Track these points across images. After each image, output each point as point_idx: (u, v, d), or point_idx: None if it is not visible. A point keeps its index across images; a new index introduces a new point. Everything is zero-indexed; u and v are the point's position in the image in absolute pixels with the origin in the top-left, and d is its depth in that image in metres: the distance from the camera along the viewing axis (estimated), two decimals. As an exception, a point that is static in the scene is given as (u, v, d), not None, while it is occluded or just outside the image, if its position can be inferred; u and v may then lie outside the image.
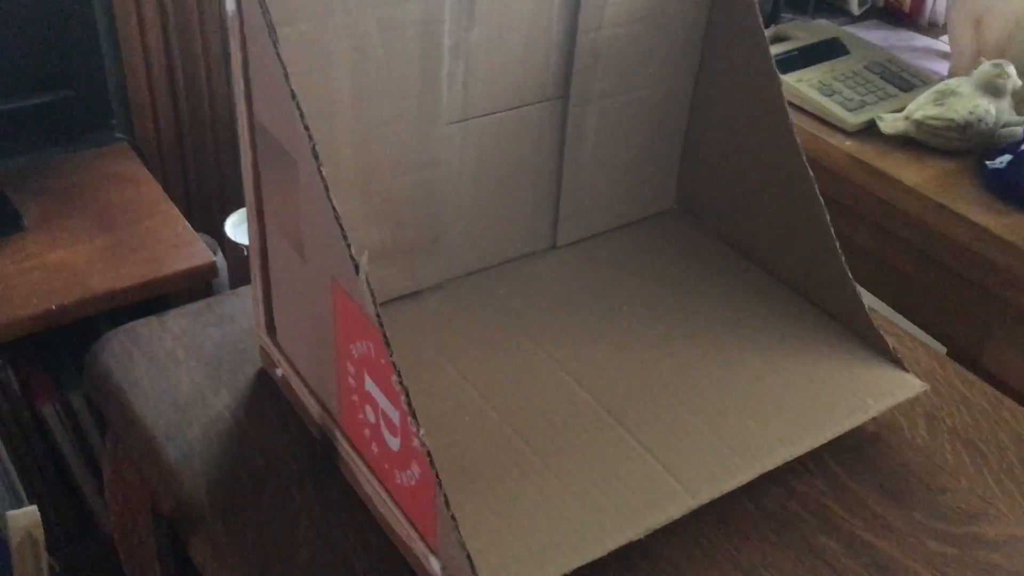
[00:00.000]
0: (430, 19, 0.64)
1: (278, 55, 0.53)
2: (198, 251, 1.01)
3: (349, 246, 0.52)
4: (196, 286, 1.00)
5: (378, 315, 0.51)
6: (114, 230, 1.03)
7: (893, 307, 1.17)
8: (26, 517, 0.73)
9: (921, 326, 1.15)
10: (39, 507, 0.79)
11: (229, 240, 1.24)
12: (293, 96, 0.52)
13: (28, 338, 0.96)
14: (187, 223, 1.06)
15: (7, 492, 0.97)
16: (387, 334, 0.51)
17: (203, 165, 1.31)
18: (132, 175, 1.12)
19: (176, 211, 1.08)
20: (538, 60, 0.72)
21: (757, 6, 0.73)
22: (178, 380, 0.73)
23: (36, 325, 0.94)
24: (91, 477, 1.14)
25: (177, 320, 0.79)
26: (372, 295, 0.51)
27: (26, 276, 0.97)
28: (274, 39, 0.53)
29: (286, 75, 0.53)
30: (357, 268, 0.52)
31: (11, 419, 1.06)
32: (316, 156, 0.52)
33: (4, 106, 1.00)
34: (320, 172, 0.52)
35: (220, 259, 1.23)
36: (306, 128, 0.52)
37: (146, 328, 0.78)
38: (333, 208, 0.52)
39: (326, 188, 0.52)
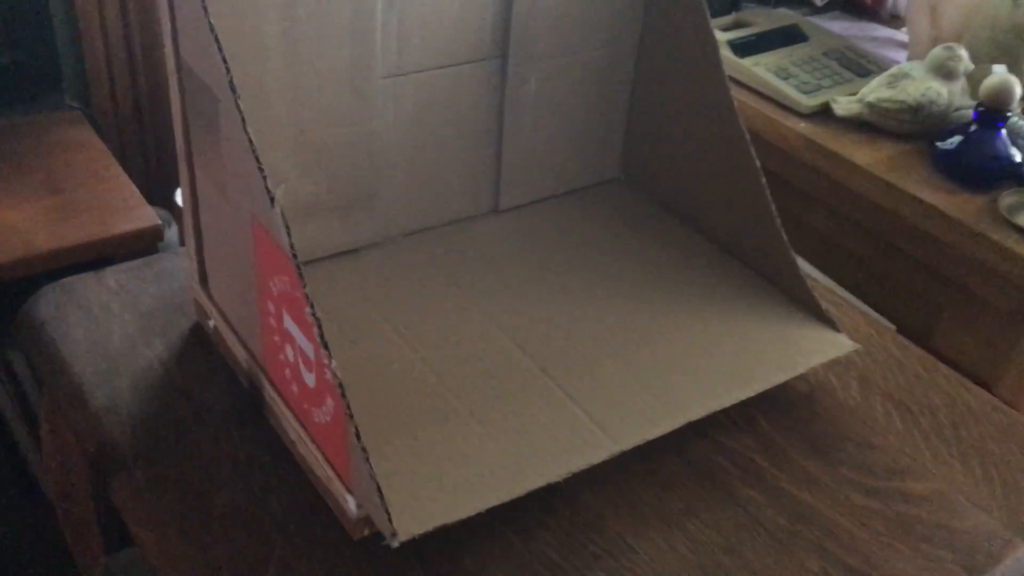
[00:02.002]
0: (361, -34, 0.64)
1: (197, -12, 0.53)
2: (144, 214, 1.01)
3: (265, 178, 0.52)
4: (142, 250, 0.99)
5: (291, 246, 0.51)
6: (61, 193, 1.03)
7: (846, 287, 1.18)
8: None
9: (874, 307, 1.16)
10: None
11: (180, 208, 1.23)
12: (211, 28, 0.52)
13: (-30, 297, 0.96)
14: (135, 188, 1.06)
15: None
16: (301, 267, 0.51)
17: (161, 139, 1.30)
18: (83, 141, 1.11)
19: (126, 177, 1.07)
20: (475, 17, 0.72)
21: (693, -34, 0.74)
22: (110, 332, 0.72)
23: (-24, 283, 0.93)
24: (31, 438, 1.13)
25: (115, 275, 0.78)
26: (286, 225, 0.51)
27: (-32, 235, 0.97)
28: (193, -29, 0.52)
29: (205, 7, 0.53)
30: (272, 200, 0.52)
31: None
32: (234, 89, 0.52)
33: (-50, 67, 0.99)
34: (237, 104, 0.52)
35: (174, 231, 1.23)
36: (224, 61, 0.52)
37: (82, 283, 0.77)
38: (249, 138, 0.52)
39: (243, 119, 0.52)
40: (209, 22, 0.52)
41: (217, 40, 0.52)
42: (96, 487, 0.78)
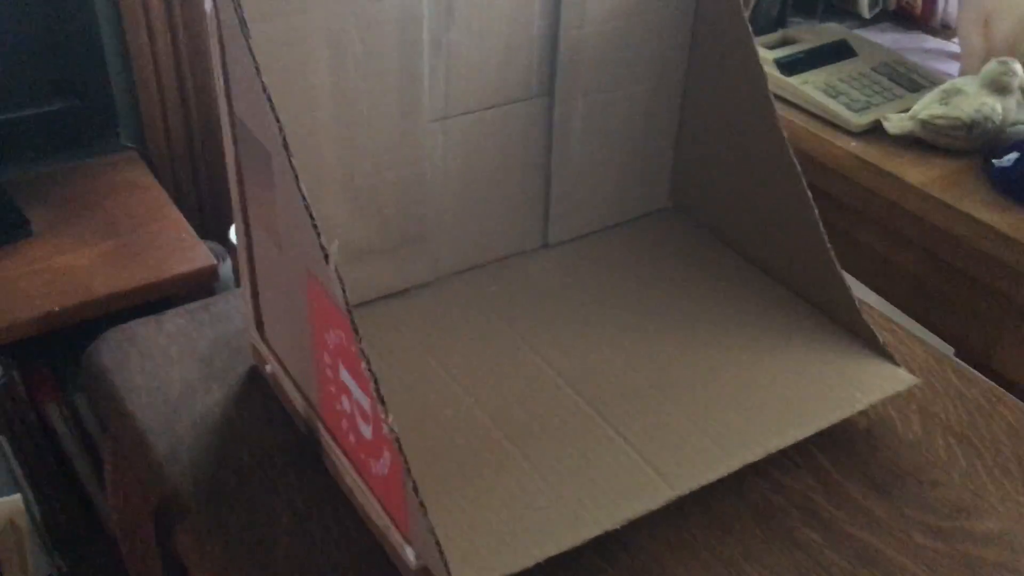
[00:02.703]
0: (408, 16, 0.65)
1: (250, 49, 0.53)
2: (200, 254, 1.03)
3: (319, 235, 0.53)
4: (198, 290, 1.01)
5: (347, 302, 0.52)
6: (118, 235, 1.05)
7: (901, 308, 1.16)
8: (10, 504, 0.74)
9: (930, 327, 1.14)
10: (47, 508, 0.80)
11: (234, 245, 1.26)
12: (264, 88, 0.53)
13: (33, 340, 0.98)
14: (190, 228, 1.08)
15: (12, 490, 0.98)
16: (356, 322, 0.52)
17: (215, 174, 1.32)
18: (138, 182, 1.14)
19: (180, 216, 1.09)
20: (520, 58, 0.73)
21: (740, 0, 0.73)
22: (170, 377, 0.74)
23: (39, 327, 0.96)
24: (96, 478, 1.15)
25: (173, 320, 0.80)
26: (341, 282, 0.52)
27: (31, 279, 0.99)
28: (246, 34, 0.53)
29: (257, 68, 0.53)
30: (327, 257, 0.52)
31: (17, 419, 1.08)
32: (287, 146, 0.53)
33: (11, 115, 1.02)
34: (291, 161, 0.53)
35: (227, 266, 1.24)
36: (276, 119, 0.53)
37: (143, 327, 0.79)
38: (303, 197, 0.53)
39: (296, 177, 0.53)
40: (261, 81, 0.53)
41: (270, 99, 0.53)
42: (159, 530, 0.79)
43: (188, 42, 1.23)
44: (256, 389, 0.73)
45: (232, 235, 1.27)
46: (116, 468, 0.80)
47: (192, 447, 0.68)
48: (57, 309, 0.95)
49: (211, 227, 1.34)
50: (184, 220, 1.10)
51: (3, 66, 1.01)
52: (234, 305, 0.81)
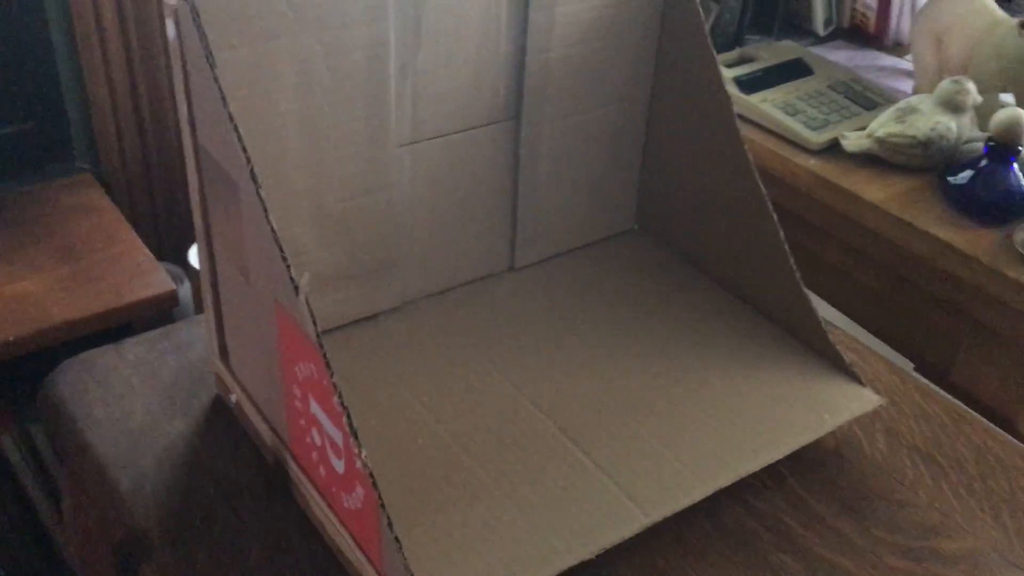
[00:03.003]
0: (375, 42, 0.64)
1: (216, 79, 0.53)
2: (159, 280, 1.01)
3: (289, 267, 0.52)
4: (157, 315, 0.99)
5: (318, 335, 0.51)
6: (74, 261, 1.03)
7: (862, 324, 1.17)
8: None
9: (890, 343, 1.15)
10: (1, 541, 0.78)
11: (194, 268, 1.24)
12: (231, 118, 0.52)
13: (-13, 370, 0.96)
14: (148, 252, 1.06)
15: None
16: (328, 355, 0.51)
17: (171, 194, 1.30)
18: (94, 205, 1.12)
19: (138, 240, 1.07)
20: (487, 82, 0.72)
21: (704, 22, 0.74)
22: (132, 408, 0.72)
23: (-7, 357, 0.93)
24: (52, 509, 1.12)
25: (133, 348, 0.78)
26: (312, 316, 0.51)
27: (-16, 308, 0.97)
28: (211, 63, 0.53)
29: (223, 98, 0.53)
30: (297, 289, 0.52)
31: (-29, 451, 1.05)
32: (255, 178, 0.52)
33: (-37, 138, 1.00)
34: (259, 194, 0.52)
35: (186, 288, 1.22)
36: (244, 150, 0.52)
37: (102, 357, 0.77)
38: (272, 230, 0.52)
39: (265, 210, 0.52)
40: (228, 113, 0.52)
41: (237, 130, 0.52)
42: (121, 567, 0.77)
43: (143, 62, 1.21)
44: (221, 419, 0.71)
45: (192, 258, 1.25)
46: (75, 503, 0.78)
47: (156, 481, 0.66)
48: (11, 338, 0.93)
49: (167, 248, 1.32)
50: (141, 243, 1.08)
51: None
52: (195, 333, 0.80)
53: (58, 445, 0.76)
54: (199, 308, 1.25)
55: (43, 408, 0.75)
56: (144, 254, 1.05)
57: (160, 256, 1.11)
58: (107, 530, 0.73)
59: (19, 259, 1.03)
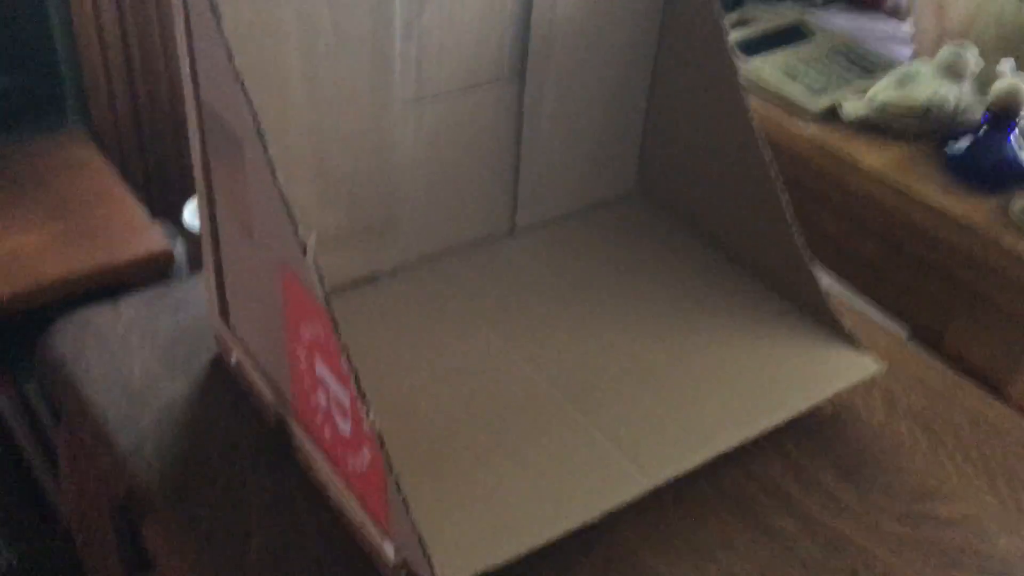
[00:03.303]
0: (380, 0, 0.63)
1: (222, 34, 0.52)
2: (154, 238, 1.00)
3: (297, 229, 0.51)
4: (153, 274, 0.98)
5: (326, 297, 0.50)
6: (68, 218, 1.02)
7: (858, 290, 1.18)
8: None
9: (886, 311, 1.16)
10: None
11: (188, 227, 1.23)
12: (238, 76, 0.52)
13: (-20, 327, 0.95)
14: (143, 210, 1.05)
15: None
16: (336, 316, 0.51)
17: (163, 151, 1.29)
18: (87, 162, 1.10)
19: (132, 198, 1.06)
20: (492, 40, 0.71)
21: (713, -13, 0.73)
22: (131, 367, 0.72)
23: (-13, 313, 0.92)
24: (49, 469, 1.12)
25: (131, 306, 0.77)
26: (320, 277, 0.50)
27: (-23, 263, 0.95)
28: (217, 18, 0.52)
29: (230, 55, 0.52)
30: (305, 250, 0.51)
31: (-36, 410, 1.04)
32: (262, 136, 0.52)
33: (-46, 91, 0.98)
34: (267, 155, 0.51)
35: (180, 246, 1.21)
36: (251, 108, 0.51)
37: (99, 315, 0.76)
38: (280, 192, 0.51)
39: (272, 170, 0.51)
40: (235, 68, 0.52)
41: (244, 87, 0.51)
42: (118, 522, 0.77)
43: (135, 17, 1.19)
44: (220, 379, 0.71)
45: (186, 217, 1.24)
46: (72, 460, 0.78)
47: (156, 440, 0.66)
48: (6, 296, 0.92)
49: (159, 206, 1.31)
50: (135, 200, 1.06)
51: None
52: (193, 292, 0.79)
53: (55, 404, 0.76)
54: (193, 267, 1.24)
55: (40, 367, 0.75)
56: (138, 211, 1.04)
57: (151, 214, 1.09)
58: (106, 489, 0.73)
59: (11, 215, 1.01)
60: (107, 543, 0.79)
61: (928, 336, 1.13)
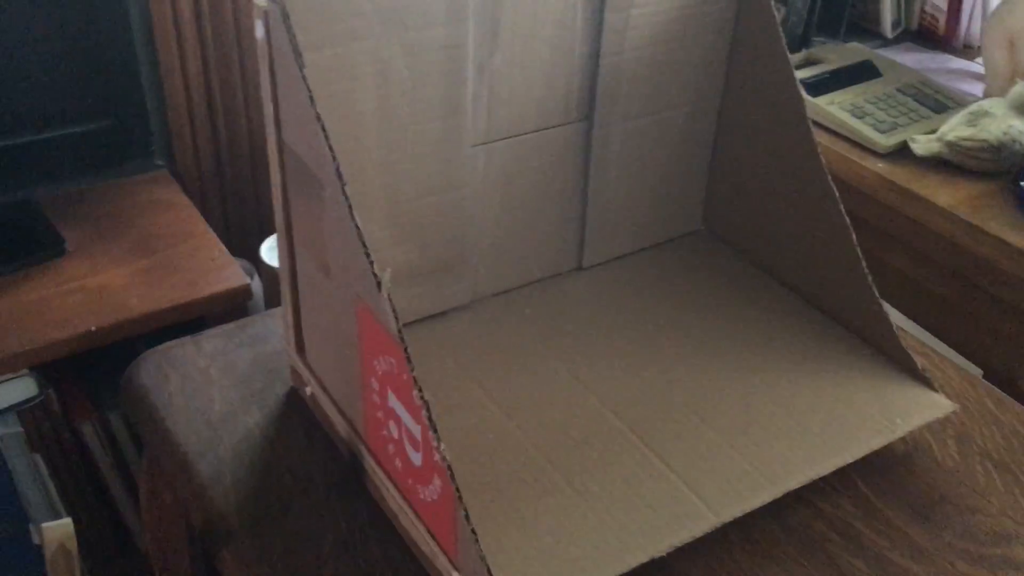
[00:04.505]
0: (453, 44, 0.66)
1: (304, 79, 0.54)
2: (233, 274, 1.03)
3: (372, 263, 0.53)
4: (232, 308, 1.02)
5: (399, 330, 0.52)
6: (152, 254, 1.06)
7: (929, 330, 1.16)
8: (60, 528, 0.75)
9: (957, 349, 1.14)
10: (78, 525, 0.80)
11: (265, 264, 1.26)
12: (318, 118, 0.54)
13: (69, 359, 0.99)
14: (223, 247, 1.08)
15: (47, 509, 0.99)
16: (409, 350, 0.52)
17: (241, 191, 1.33)
18: (171, 201, 1.15)
19: (213, 235, 1.10)
20: (561, 83, 0.73)
21: (779, 25, 0.74)
22: (210, 399, 0.74)
23: (75, 346, 0.96)
24: (128, 496, 1.16)
25: (211, 340, 0.80)
26: (394, 311, 0.52)
27: (67, 299, 1.00)
28: (300, 63, 0.54)
29: (311, 98, 0.54)
30: (379, 285, 0.53)
31: (52, 438, 1.08)
32: (340, 176, 0.54)
33: (47, 135, 1.03)
34: (344, 192, 0.54)
35: (256, 283, 1.25)
36: (330, 149, 0.54)
37: (180, 348, 0.79)
38: (356, 227, 0.53)
39: (350, 207, 0.53)
40: (316, 112, 0.54)
41: (324, 129, 0.54)
42: (195, 550, 0.79)
43: (217, 62, 1.24)
44: (295, 411, 0.73)
45: (263, 253, 1.28)
46: (152, 489, 0.80)
47: (234, 470, 0.68)
48: (94, 328, 0.96)
49: (237, 244, 1.35)
50: (216, 238, 1.10)
51: (41, 86, 1.02)
52: (269, 326, 0.82)
53: (139, 433, 0.79)
54: (269, 303, 1.28)
55: (124, 397, 0.78)
56: (219, 249, 1.08)
57: (231, 251, 1.13)
58: (184, 517, 0.76)
59: (99, 252, 1.06)
60: (184, 572, 0.82)
61: (1003, 376, 1.10)
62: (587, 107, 0.76)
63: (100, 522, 1.17)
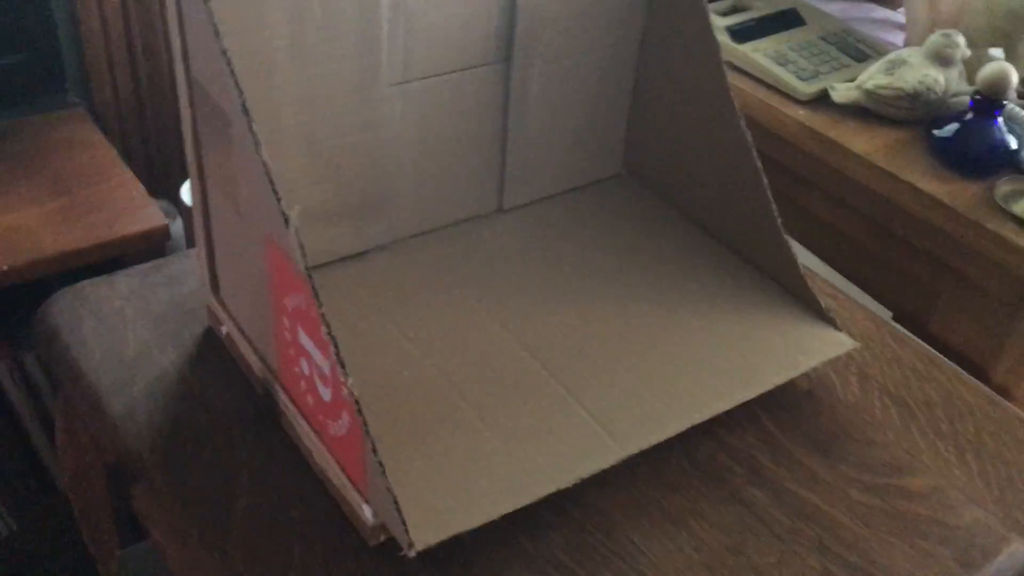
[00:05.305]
0: (367, -21, 0.65)
1: (209, 12, 0.53)
2: (152, 214, 1.02)
3: (279, 200, 0.53)
4: (150, 249, 1.00)
5: (306, 266, 0.52)
6: (67, 193, 1.04)
7: (844, 274, 1.19)
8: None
9: (872, 294, 1.17)
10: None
11: (186, 205, 1.25)
12: (224, 53, 0.53)
13: (-19, 300, 0.97)
14: (141, 187, 1.07)
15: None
16: (316, 286, 0.52)
17: (163, 130, 1.31)
18: (87, 139, 1.12)
19: (131, 175, 1.08)
20: (479, 23, 0.73)
21: (695, -30, 0.74)
22: (125, 338, 0.74)
23: (-13, 286, 0.95)
24: (47, 437, 1.15)
25: (126, 280, 0.79)
26: (301, 247, 0.52)
27: (-23, 238, 0.98)
28: (205, -4, 0.53)
29: (217, 32, 0.53)
30: (287, 221, 0.53)
31: (-35, 380, 1.07)
32: (247, 112, 0.53)
33: (-45, 69, 1.00)
34: (251, 128, 0.53)
35: (179, 224, 1.23)
36: (236, 85, 0.53)
37: (94, 288, 0.78)
38: (264, 164, 0.53)
39: (256, 144, 0.53)
40: (221, 46, 0.53)
41: (230, 65, 0.53)
42: (112, 487, 0.79)
43: (136, -4, 1.20)
44: (211, 351, 0.73)
45: (183, 194, 1.26)
46: (68, 428, 0.80)
47: (148, 408, 0.68)
48: (6, 268, 0.94)
49: (159, 185, 1.33)
50: (135, 178, 1.08)
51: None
52: (187, 266, 0.81)
53: (52, 372, 0.78)
54: (190, 245, 1.26)
55: (37, 336, 0.77)
56: (137, 189, 1.06)
57: (152, 192, 1.11)
58: (99, 455, 0.76)
59: (13, 191, 1.03)
60: (102, 509, 0.82)
61: (913, 319, 1.14)
62: (506, 48, 0.76)
63: (18, 465, 1.15)
